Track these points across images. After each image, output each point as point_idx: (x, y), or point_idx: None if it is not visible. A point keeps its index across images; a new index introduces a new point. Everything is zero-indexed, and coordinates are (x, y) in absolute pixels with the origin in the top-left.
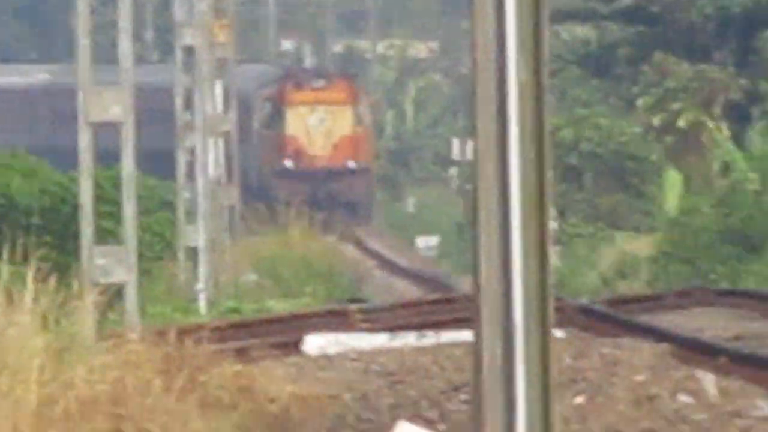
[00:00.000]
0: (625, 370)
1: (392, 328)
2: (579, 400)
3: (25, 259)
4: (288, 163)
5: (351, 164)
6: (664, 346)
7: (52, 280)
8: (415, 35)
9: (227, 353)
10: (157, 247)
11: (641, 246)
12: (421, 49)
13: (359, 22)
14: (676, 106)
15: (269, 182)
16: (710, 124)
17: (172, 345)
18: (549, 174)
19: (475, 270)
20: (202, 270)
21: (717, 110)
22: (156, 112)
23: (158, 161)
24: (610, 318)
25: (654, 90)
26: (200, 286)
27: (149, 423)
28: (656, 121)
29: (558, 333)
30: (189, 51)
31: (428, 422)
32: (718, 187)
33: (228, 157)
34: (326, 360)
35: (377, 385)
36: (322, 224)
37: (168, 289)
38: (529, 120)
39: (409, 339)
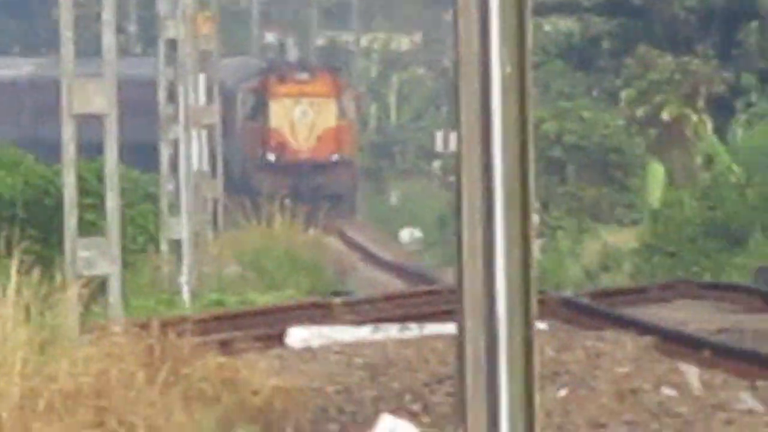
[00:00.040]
0: (609, 363)
1: (375, 321)
2: (562, 392)
3: (9, 251)
4: (271, 156)
5: (335, 157)
6: (648, 339)
7: (36, 273)
8: (399, 28)
9: (210, 346)
10: (141, 240)
11: (624, 239)
12: (404, 42)
13: (343, 15)
14: (659, 98)
15: (253, 175)
16: (693, 116)
17: (156, 337)
18: (532, 167)
19: (458, 262)
20: (186, 262)
21: (700, 103)
22: (139, 105)
23: (141, 154)
24: (593, 311)
25: (637, 83)
26: (183, 278)
27: (132, 415)
28: (639, 113)
29: (541, 326)
30: (172, 44)
31: (412, 415)
32: (701, 180)
33: (212, 150)
34: (309, 352)
35: (360, 378)
36: (306, 217)
37: (151, 282)
38: (513, 113)
39: (392, 332)
